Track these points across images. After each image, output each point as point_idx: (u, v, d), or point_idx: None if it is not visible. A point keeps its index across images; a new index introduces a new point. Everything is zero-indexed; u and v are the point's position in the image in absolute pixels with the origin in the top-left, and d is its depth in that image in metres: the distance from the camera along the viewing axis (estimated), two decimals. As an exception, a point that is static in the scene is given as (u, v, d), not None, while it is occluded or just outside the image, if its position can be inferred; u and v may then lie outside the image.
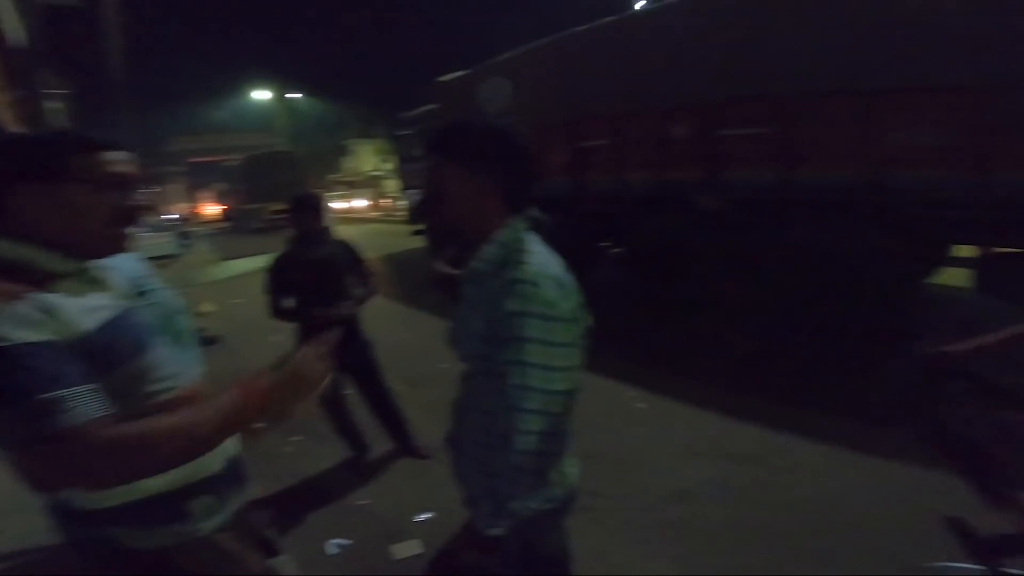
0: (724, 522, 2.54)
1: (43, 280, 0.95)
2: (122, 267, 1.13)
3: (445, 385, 4.56)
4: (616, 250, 7.10)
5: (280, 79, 32.58)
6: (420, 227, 10.56)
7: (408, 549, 2.52)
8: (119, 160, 1.04)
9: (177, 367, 1.10)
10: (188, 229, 19.53)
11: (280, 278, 2.90)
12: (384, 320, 5.32)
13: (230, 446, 1.17)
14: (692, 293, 5.71)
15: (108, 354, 0.95)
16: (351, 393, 3.26)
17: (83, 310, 0.97)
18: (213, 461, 1.12)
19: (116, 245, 1.07)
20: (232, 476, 1.17)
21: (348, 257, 3.02)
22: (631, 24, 6.13)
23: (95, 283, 1.04)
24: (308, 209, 2.83)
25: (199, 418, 0.92)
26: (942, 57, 3.78)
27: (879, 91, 4.10)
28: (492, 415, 1.26)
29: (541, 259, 1.21)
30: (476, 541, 1.25)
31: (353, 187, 27.38)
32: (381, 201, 21.78)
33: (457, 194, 1.22)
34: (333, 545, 2.58)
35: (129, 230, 1.08)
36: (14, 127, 6.07)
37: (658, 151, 5.72)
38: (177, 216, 23.19)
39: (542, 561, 1.40)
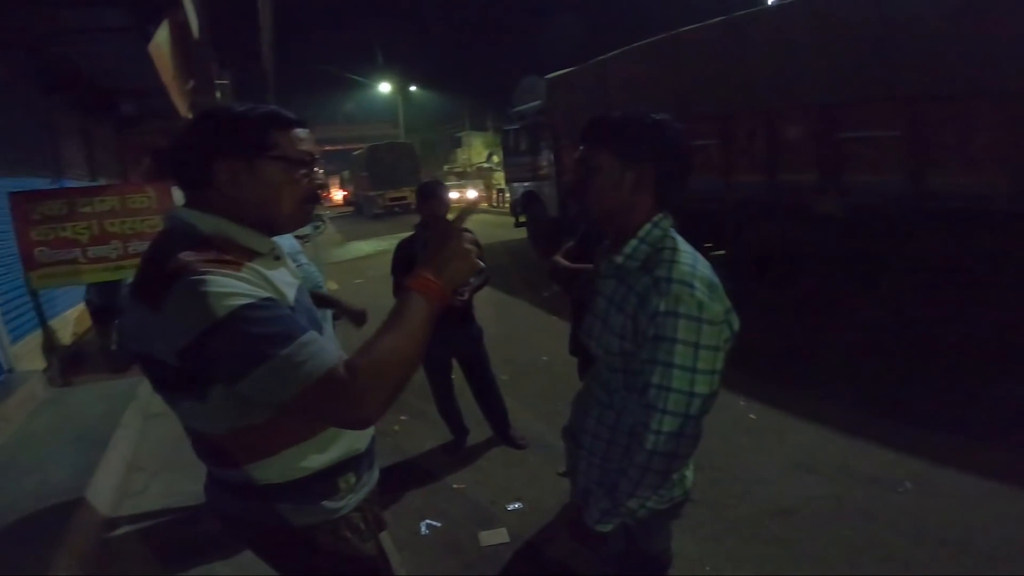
0: (833, 543, 2.35)
1: (247, 256, 0.96)
2: (282, 243, 1.15)
3: (545, 377, 4.57)
4: (718, 252, 6.73)
5: (402, 73, 34.12)
6: (523, 220, 10.67)
7: (495, 537, 2.55)
8: (308, 138, 1.04)
9: (332, 341, 1.14)
10: (320, 212, 21.17)
11: (404, 260, 3.05)
12: (489, 309, 5.43)
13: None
14: (805, 300, 5.30)
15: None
16: (456, 378, 3.35)
17: (282, 283, 1.00)
18: (361, 440, 1.14)
19: (303, 221, 1.07)
20: (371, 456, 1.20)
21: None
22: (745, 23, 5.82)
23: (279, 259, 1.07)
24: (432, 196, 2.94)
25: (409, 325, 0.89)
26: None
27: None
28: (621, 411, 1.23)
29: (692, 259, 1.16)
30: (581, 535, 1.23)
31: (463, 177, 28.13)
32: (490, 192, 22.23)
33: (608, 185, 1.18)
34: (424, 526, 2.69)
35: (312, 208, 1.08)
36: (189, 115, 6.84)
37: (771, 152, 5.39)
38: None
39: (643, 560, 1.35)
